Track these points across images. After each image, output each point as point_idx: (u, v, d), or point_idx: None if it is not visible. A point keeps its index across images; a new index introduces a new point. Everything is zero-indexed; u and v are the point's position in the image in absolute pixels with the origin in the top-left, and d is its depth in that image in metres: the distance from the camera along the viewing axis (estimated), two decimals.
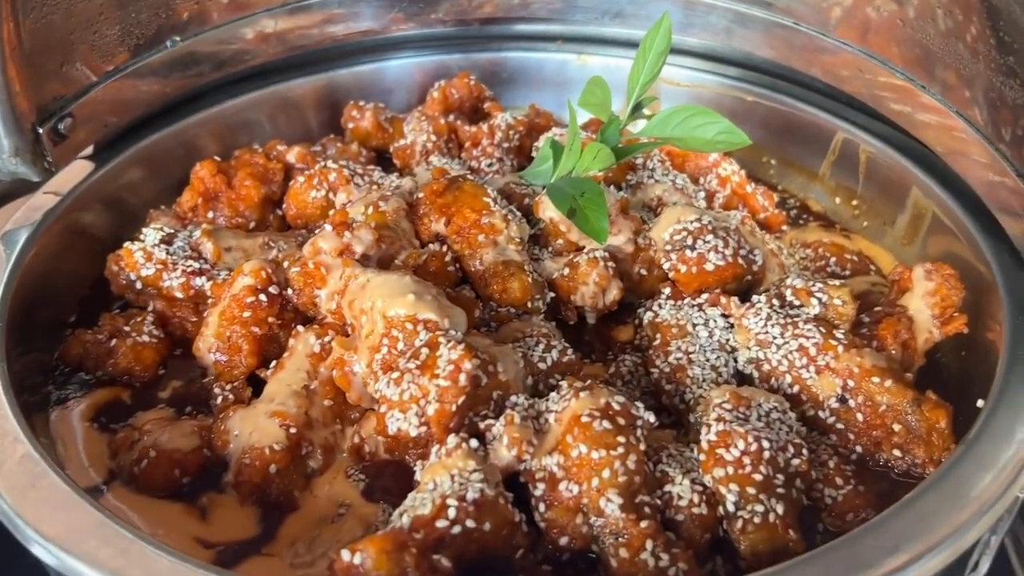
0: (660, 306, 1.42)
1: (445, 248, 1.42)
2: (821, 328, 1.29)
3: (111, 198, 1.65)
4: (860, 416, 1.23)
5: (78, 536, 0.95)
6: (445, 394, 1.12)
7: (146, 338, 1.37)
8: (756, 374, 1.31)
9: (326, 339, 1.29)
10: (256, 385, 1.31)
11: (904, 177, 1.66)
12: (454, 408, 1.12)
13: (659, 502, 1.10)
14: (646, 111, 1.53)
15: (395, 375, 1.16)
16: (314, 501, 1.19)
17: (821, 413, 1.26)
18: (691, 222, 1.42)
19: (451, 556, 0.98)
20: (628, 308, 1.49)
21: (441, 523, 0.99)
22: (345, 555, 0.94)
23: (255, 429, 1.20)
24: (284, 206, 1.63)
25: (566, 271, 1.42)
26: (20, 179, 1.51)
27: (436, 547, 0.98)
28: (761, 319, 1.33)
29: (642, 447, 1.11)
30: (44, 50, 1.44)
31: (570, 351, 1.31)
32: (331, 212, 1.47)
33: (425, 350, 1.17)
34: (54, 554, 0.94)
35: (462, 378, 1.12)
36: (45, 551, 0.95)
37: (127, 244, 1.44)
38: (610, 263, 1.42)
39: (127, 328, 1.39)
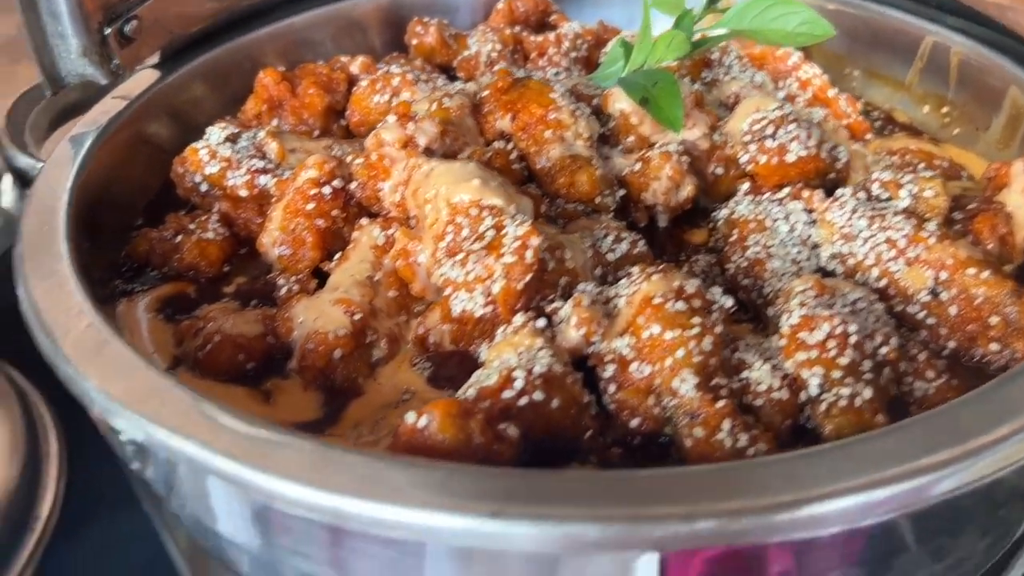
0: (737, 203, 1.35)
1: (511, 146, 1.37)
2: (912, 220, 1.21)
3: (175, 109, 1.63)
4: (954, 309, 1.15)
5: (142, 397, 0.93)
6: (512, 271, 1.08)
7: (211, 235, 1.36)
8: (840, 269, 1.24)
9: (390, 231, 1.26)
10: (320, 280, 1.29)
11: (1001, 77, 1.56)
12: (521, 286, 1.08)
13: (736, 386, 1.04)
14: (721, 5, 1.46)
15: (460, 257, 1.13)
16: (378, 388, 1.16)
17: (911, 308, 1.18)
18: (772, 111, 1.34)
19: (517, 427, 0.94)
20: (702, 213, 1.42)
21: (507, 393, 0.95)
22: (410, 418, 0.90)
23: (319, 315, 1.17)
24: (347, 112, 1.61)
25: (637, 166, 1.35)
26: (91, 85, 1.51)
27: (502, 417, 0.94)
28: (846, 212, 1.25)
29: (718, 330, 1.05)
30: None
31: (641, 242, 1.26)
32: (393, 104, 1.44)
33: (491, 232, 1.13)
34: (119, 413, 0.93)
35: (528, 255, 1.08)
36: (110, 412, 0.94)
37: (192, 144, 1.43)
38: (684, 157, 1.35)
39: (192, 226, 1.38)
